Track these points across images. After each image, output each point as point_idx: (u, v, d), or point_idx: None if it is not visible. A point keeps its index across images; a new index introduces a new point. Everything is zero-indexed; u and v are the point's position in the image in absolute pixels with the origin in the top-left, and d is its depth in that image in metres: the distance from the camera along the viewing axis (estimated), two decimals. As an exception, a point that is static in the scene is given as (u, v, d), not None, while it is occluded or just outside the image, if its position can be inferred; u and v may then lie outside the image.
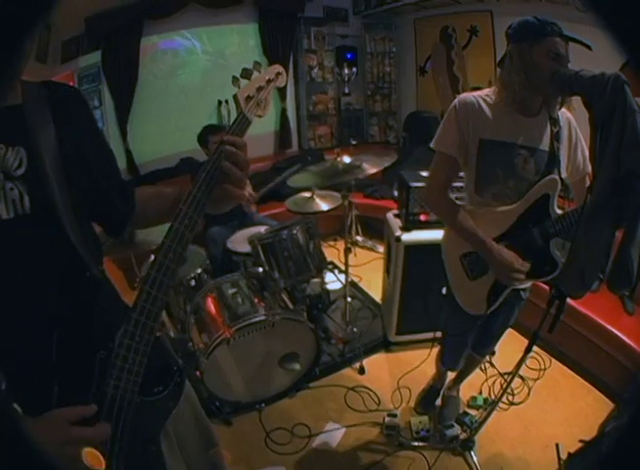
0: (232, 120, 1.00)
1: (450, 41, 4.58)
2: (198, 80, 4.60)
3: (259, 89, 1.04)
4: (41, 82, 0.96)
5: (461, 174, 1.74)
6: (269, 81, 1.08)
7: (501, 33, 3.87)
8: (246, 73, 1.03)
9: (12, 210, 0.82)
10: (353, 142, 4.75)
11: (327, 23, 5.07)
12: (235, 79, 1.02)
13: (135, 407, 0.86)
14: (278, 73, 1.11)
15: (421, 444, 2.24)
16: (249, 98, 1.01)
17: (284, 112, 5.00)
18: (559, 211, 1.57)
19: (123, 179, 1.13)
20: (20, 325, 0.84)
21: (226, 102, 4.56)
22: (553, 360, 2.78)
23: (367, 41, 5.22)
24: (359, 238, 4.59)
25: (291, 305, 2.63)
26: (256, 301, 2.49)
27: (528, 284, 1.82)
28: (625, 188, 1.15)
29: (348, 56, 5.23)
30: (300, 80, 5.11)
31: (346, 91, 5.22)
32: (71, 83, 3.75)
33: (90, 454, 0.75)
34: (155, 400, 0.93)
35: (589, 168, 1.63)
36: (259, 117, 1.05)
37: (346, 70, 5.02)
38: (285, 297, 2.70)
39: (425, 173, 2.64)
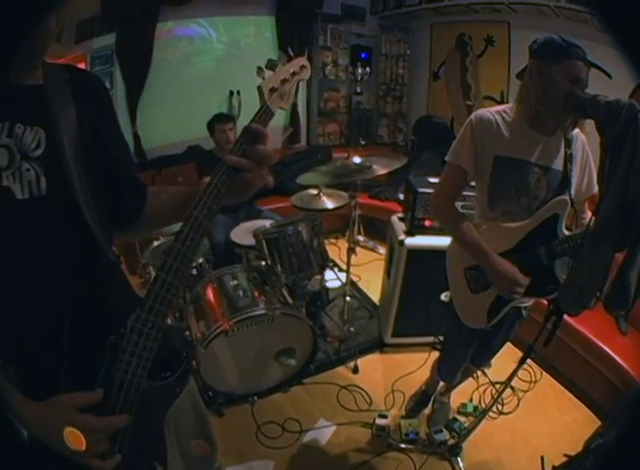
0: (256, 111, 0.98)
1: (466, 49, 4.57)
2: (211, 69, 4.58)
3: (283, 81, 1.04)
4: (62, 65, 0.95)
5: (472, 184, 1.76)
6: (294, 74, 1.07)
7: (517, 45, 3.89)
8: (271, 64, 1.03)
9: (27, 190, 0.82)
10: (362, 142, 4.75)
11: (344, 21, 5.07)
12: (260, 70, 1.02)
13: (142, 392, 0.87)
14: (303, 66, 1.10)
15: (409, 446, 2.27)
16: (272, 90, 1.01)
17: (294, 107, 4.98)
18: (566, 232, 1.59)
19: (137, 175, 1.12)
20: (31, 308, 0.84)
21: (237, 93, 4.55)
22: (544, 373, 2.81)
23: (382, 42, 5.21)
24: (361, 238, 4.59)
25: (290, 301, 2.64)
26: (257, 294, 2.50)
27: (531, 302, 1.84)
28: (630, 214, 1.16)
29: (363, 55, 5.23)
30: (313, 76, 5.09)
31: (358, 90, 5.21)
32: (84, 64, 3.75)
33: (71, 434, 0.76)
34: (161, 386, 0.94)
35: (593, 191, 1.65)
36: (281, 109, 1.04)
37: (360, 70, 5.00)
38: (285, 292, 2.71)
39: (433, 180, 2.66)
